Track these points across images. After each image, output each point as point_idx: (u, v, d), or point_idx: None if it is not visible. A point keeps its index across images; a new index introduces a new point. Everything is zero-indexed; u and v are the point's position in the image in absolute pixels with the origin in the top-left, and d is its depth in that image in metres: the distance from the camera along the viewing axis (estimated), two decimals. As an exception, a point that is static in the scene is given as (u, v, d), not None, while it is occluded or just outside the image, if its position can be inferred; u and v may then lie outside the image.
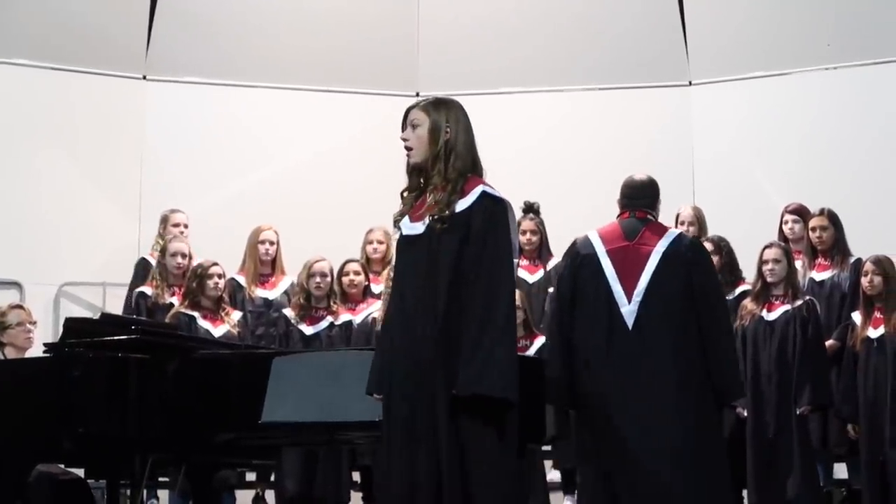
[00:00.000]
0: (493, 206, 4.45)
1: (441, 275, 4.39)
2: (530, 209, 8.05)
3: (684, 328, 5.44)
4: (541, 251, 7.99)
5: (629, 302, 5.46)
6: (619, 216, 5.74)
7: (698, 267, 5.56)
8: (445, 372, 4.32)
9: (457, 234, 4.41)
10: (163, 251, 7.95)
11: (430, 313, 4.38)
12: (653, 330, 5.42)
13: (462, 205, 4.44)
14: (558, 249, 7.14)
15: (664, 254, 5.51)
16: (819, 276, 7.61)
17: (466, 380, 4.28)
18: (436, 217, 4.43)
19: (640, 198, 5.71)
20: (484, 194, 4.45)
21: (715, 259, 7.39)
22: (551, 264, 7.85)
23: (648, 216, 5.68)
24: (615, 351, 5.41)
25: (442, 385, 4.32)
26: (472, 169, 4.53)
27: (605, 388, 5.38)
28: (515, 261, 4.66)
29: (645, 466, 5.30)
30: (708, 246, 7.44)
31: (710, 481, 5.36)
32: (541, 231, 8.01)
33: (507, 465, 4.36)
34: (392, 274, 4.71)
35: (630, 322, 5.44)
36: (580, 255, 5.63)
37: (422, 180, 4.56)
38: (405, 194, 4.61)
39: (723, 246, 7.48)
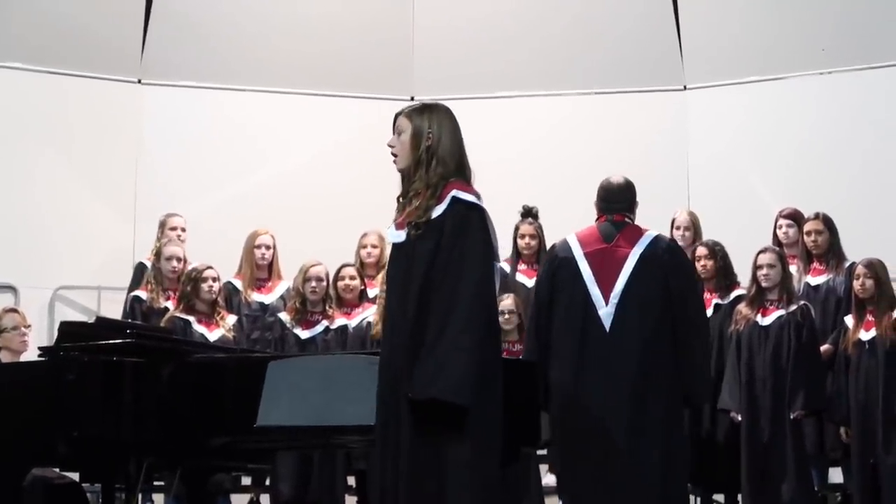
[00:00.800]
0: (465, 211, 4.42)
1: (413, 282, 4.40)
2: (529, 213, 8.05)
3: (661, 331, 5.46)
4: (539, 255, 7.96)
5: (606, 304, 5.48)
6: (596, 219, 5.76)
7: (676, 269, 5.59)
8: (409, 378, 4.34)
9: (431, 240, 4.41)
10: (157, 255, 7.94)
11: (404, 320, 4.40)
12: (629, 332, 5.44)
13: (437, 211, 4.43)
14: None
15: (641, 256, 5.53)
16: (814, 280, 7.61)
17: (418, 383, 4.29)
18: (412, 223, 4.44)
19: (617, 201, 5.73)
20: (455, 199, 4.43)
21: (710, 263, 7.42)
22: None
23: (626, 219, 5.70)
24: (592, 353, 5.43)
25: (406, 390, 4.34)
26: (458, 173, 4.51)
27: (581, 391, 5.40)
28: (502, 265, 4.62)
29: (616, 469, 5.32)
30: (702, 250, 7.47)
31: (671, 486, 5.39)
32: (539, 235, 8.00)
33: (481, 468, 4.32)
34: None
35: (607, 325, 5.46)
36: (558, 259, 5.65)
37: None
38: (401, 200, 4.62)
39: (717, 250, 7.48)
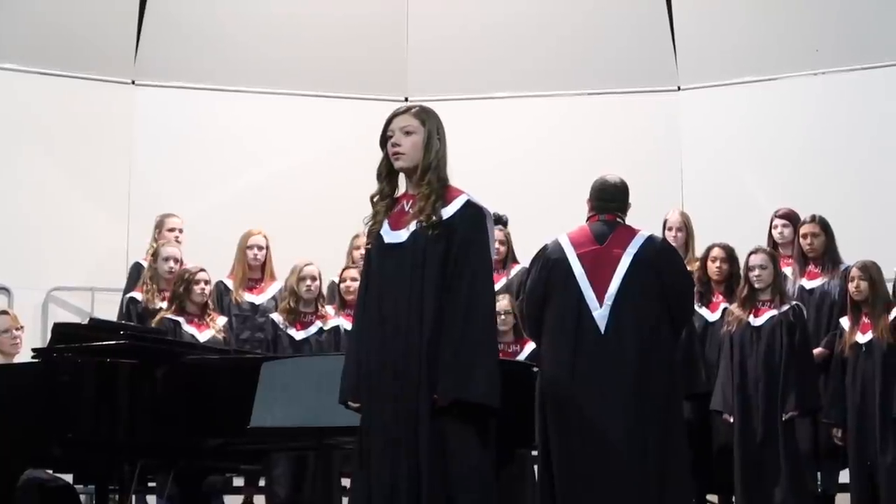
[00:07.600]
0: (477, 215, 4.49)
1: (427, 283, 4.40)
2: (499, 221, 7.98)
3: (656, 331, 5.45)
4: (506, 262, 7.90)
5: (601, 306, 5.46)
6: (588, 219, 5.74)
7: (670, 269, 5.58)
8: (429, 378, 4.33)
9: (442, 241, 4.43)
10: (154, 255, 7.91)
11: (415, 321, 4.39)
12: (625, 334, 5.41)
13: (446, 213, 4.46)
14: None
15: (635, 257, 5.52)
16: (809, 283, 7.54)
17: (448, 386, 4.30)
18: (424, 225, 4.44)
19: (610, 201, 5.71)
20: (468, 203, 4.48)
21: (726, 266, 7.43)
22: (514, 271, 7.80)
23: (617, 219, 5.69)
24: (587, 356, 5.40)
25: (425, 391, 4.33)
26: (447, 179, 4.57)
27: (577, 393, 5.37)
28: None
29: (614, 472, 5.30)
30: (720, 252, 7.41)
31: (671, 488, 5.37)
32: (508, 242, 7.89)
33: (486, 469, 4.36)
34: (363, 281, 4.70)
35: (602, 326, 5.43)
36: (551, 260, 5.62)
37: (405, 187, 4.59)
38: (376, 199, 4.62)
39: (735, 256, 7.40)
